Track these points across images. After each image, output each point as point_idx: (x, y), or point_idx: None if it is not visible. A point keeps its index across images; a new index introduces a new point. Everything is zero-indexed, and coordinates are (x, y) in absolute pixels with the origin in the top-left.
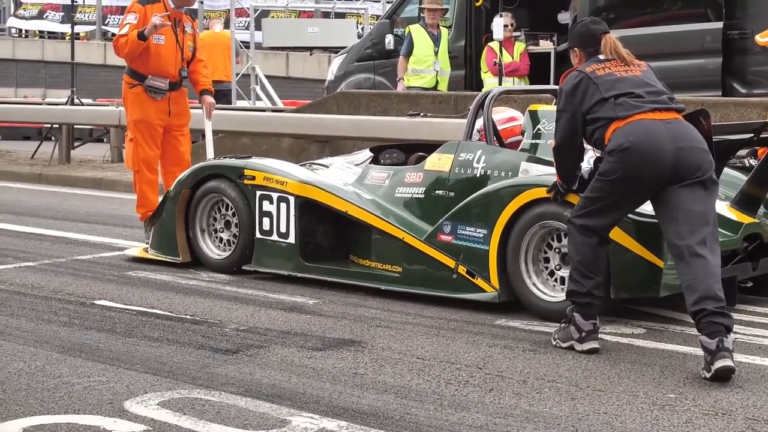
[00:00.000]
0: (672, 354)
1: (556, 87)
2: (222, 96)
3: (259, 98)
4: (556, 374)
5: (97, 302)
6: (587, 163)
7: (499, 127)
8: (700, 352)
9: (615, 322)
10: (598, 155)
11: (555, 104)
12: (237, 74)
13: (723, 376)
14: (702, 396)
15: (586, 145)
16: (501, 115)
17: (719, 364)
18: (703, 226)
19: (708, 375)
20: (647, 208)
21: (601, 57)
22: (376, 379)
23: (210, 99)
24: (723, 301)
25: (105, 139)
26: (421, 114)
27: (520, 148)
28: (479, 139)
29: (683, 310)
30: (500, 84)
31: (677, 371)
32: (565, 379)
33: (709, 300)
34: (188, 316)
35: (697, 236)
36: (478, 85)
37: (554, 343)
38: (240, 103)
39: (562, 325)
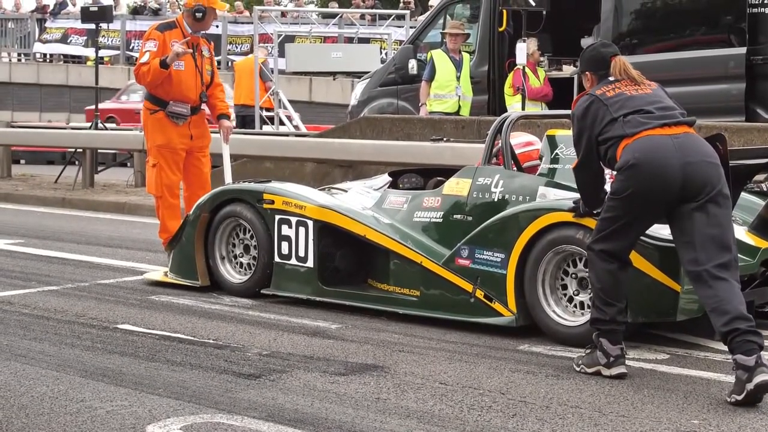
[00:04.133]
0: (696, 380)
1: None
2: (251, 120)
3: (282, 123)
4: (579, 400)
5: (120, 326)
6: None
7: (517, 152)
8: (724, 377)
9: (638, 348)
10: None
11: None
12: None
13: (762, 392)
14: (726, 422)
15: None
16: (518, 139)
17: (760, 378)
18: (721, 250)
19: (740, 397)
20: (663, 232)
21: (611, 78)
22: (399, 404)
23: (227, 123)
24: (753, 321)
25: (128, 164)
26: (444, 139)
27: (538, 173)
28: (496, 164)
29: (707, 336)
30: (523, 108)
31: (701, 397)
32: (589, 404)
33: (740, 320)
34: (211, 341)
35: (715, 260)
36: (502, 109)
37: (578, 369)
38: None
39: (587, 351)
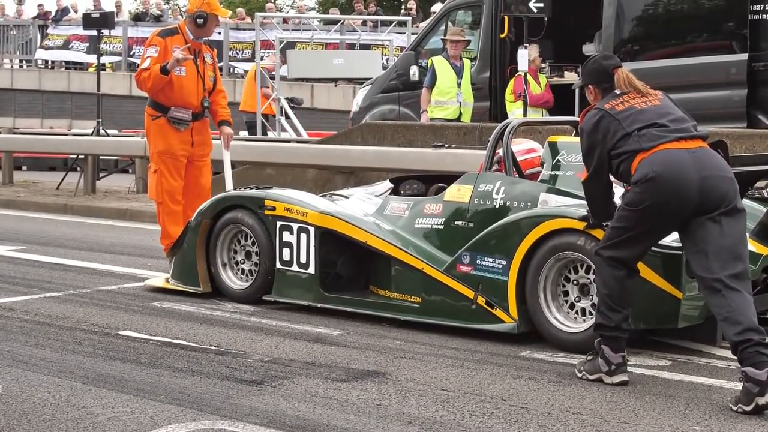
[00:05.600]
0: (698, 386)
1: (577, 119)
2: (252, 126)
3: (284, 129)
4: (581, 406)
5: (122, 333)
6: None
7: (519, 159)
8: (725, 384)
9: (640, 354)
10: (625, 189)
11: (574, 135)
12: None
13: None
14: (728, 429)
15: (612, 179)
16: (520, 146)
17: None
18: (734, 261)
19: (748, 408)
20: (666, 239)
21: (617, 91)
22: (401, 410)
23: (228, 129)
24: (765, 334)
25: (130, 170)
26: (446, 145)
27: (539, 179)
28: (498, 170)
29: (708, 343)
30: (525, 115)
31: (703, 404)
32: (590, 411)
33: (753, 331)
34: (212, 347)
35: (728, 270)
36: (503, 116)
37: (580, 375)
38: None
39: (589, 357)
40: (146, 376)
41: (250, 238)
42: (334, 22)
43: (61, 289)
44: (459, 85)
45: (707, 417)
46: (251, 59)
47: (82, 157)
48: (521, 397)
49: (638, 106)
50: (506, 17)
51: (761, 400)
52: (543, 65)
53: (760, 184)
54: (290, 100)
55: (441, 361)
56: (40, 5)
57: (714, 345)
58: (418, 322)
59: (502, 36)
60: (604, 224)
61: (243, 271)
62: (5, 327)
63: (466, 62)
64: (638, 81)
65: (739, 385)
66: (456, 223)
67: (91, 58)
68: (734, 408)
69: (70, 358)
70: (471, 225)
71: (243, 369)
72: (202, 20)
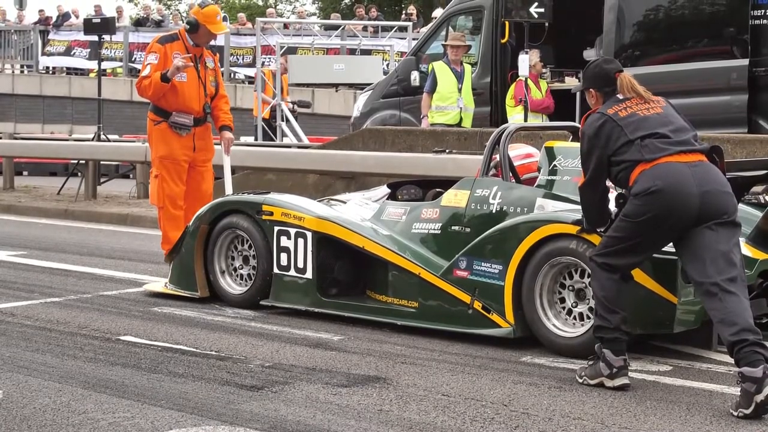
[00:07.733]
0: (698, 392)
1: (575, 124)
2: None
3: (285, 134)
4: (581, 411)
5: (123, 338)
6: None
7: (516, 164)
8: (726, 389)
9: (641, 359)
10: (619, 192)
11: (571, 140)
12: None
13: None
14: None
15: (608, 183)
16: (517, 151)
17: None
18: (729, 266)
19: (748, 410)
20: None
21: (620, 96)
22: (401, 416)
23: (229, 134)
24: (761, 334)
25: (131, 175)
26: (447, 150)
27: (536, 185)
28: (495, 175)
29: (705, 347)
30: (525, 120)
31: (704, 409)
32: (591, 416)
33: (748, 332)
34: (213, 352)
35: (725, 275)
36: (504, 121)
37: (581, 380)
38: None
39: (589, 362)
40: (147, 381)
41: (248, 242)
42: (335, 27)
43: (62, 294)
44: (460, 90)
45: (708, 422)
46: (252, 64)
47: (83, 162)
48: (522, 403)
49: (641, 113)
50: (507, 22)
51: (759, 398)
52: (544, 70)
53: (757, 189)
54: (297, 103)
55: (442, 367)
56: (41, 10)
57: (710, 349)
58: (419, 327)
59: (503, 41)
60: (599, 230)
61: (242, 276)
62: (6, 332)
63: (467, 67)
64: (640, 86)
65: (739, 390)
66: (453, 228)
67: (93, 65)
68: (735, 413)
69: (70, 363)
70: (468, 230)
71: (244, 374)
72: (189, 26)
